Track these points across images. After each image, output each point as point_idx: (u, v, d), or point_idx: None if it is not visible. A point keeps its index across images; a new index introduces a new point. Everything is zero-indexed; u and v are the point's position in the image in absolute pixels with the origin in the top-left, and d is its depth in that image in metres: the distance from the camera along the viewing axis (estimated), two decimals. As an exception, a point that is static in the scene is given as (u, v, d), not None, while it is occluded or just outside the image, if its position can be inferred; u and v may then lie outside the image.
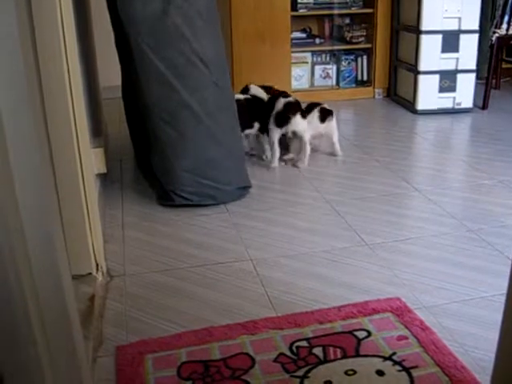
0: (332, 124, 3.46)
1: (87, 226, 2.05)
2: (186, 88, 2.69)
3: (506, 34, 4.39)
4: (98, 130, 2.96)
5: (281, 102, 3.25)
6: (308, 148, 3.29)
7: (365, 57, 4.94)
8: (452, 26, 4.17)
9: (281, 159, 3.36)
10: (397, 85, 4.77)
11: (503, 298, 1.26)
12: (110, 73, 3.88)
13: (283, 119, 3.21)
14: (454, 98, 4.33)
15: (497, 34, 4.36)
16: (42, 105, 1.79)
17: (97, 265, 2.14)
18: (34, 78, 1.25)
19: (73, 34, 1.95)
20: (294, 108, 3.22)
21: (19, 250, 1.04)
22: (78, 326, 1.30)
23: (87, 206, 2.03)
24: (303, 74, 4.88)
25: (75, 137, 1.93)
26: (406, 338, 1.77)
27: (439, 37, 4.19)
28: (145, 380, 1.62)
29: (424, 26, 4.18)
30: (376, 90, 4.91)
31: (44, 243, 1.10)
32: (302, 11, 4.68)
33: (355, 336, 1.78)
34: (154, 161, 2.85)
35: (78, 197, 1.98)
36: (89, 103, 2.60)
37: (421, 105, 4.35)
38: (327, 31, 5.03)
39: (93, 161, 2.31)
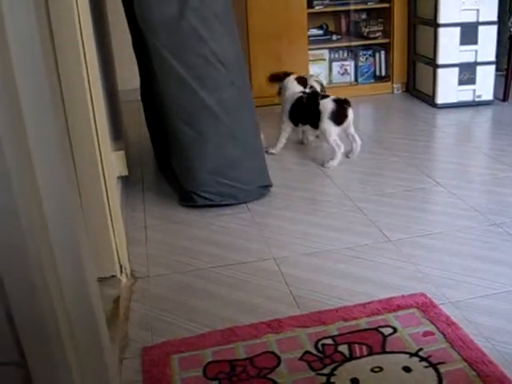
0: None
1: (110, 228, 2.06)
2: (204, 89, 2.70)
3: (526, 25, 4.33)
4: (118, 133, 2.98)
5: (329, 102, 3.23)
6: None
7: (382, 52, 4.90)
8: (470, 18, 4.12)
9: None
10: (416, 79, 4.73)
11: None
12: (128, 76, 3.91)
13: (342, 115, 3.22)
14: (474, 90, 4.28)
15: (516, 25, 4.31)
16: (62, 110, 1.80)
17: (120, 267, 2.15)
18: (54, 80, 1.26)
19: (91, 37, 1.97)
20: (345, 102, 3.23)
21: (45, 254, 1.05)
22: (105, 328, 1.31)
23: (110, 208, 2.05)
24: (321, 72, 4.86)
25: (96, 140, 1.94)
26: (432, 333, 1.76)
27: (457, 29, 4.14)
28: (171, 380, 1.63)
29: (442, 19, 4.14)
30: (395, 85, 4.87)
31: (69, 247, 1.11)
32: (318, 8, 4.66)
33: (381, 332, 1.78)
34: (174, 162, 2.86)
35: (101, 200, 2.00)
36: (108, 106, 2.61)
37: (440, 98, 4.31)
38: (344, 27, 5.01)
39: (114, 164, 2.32)
